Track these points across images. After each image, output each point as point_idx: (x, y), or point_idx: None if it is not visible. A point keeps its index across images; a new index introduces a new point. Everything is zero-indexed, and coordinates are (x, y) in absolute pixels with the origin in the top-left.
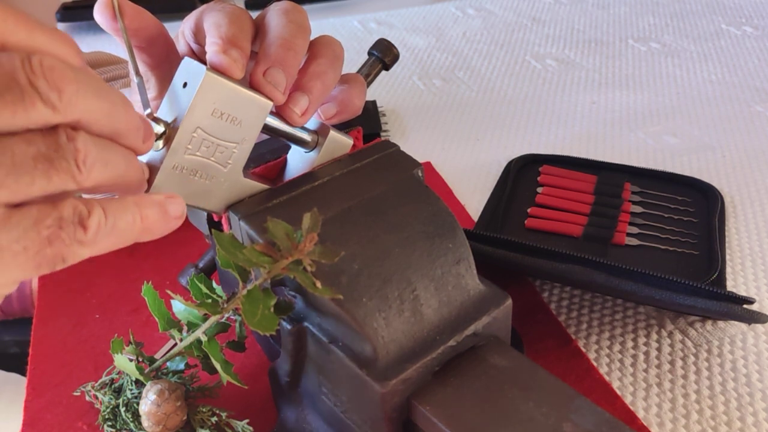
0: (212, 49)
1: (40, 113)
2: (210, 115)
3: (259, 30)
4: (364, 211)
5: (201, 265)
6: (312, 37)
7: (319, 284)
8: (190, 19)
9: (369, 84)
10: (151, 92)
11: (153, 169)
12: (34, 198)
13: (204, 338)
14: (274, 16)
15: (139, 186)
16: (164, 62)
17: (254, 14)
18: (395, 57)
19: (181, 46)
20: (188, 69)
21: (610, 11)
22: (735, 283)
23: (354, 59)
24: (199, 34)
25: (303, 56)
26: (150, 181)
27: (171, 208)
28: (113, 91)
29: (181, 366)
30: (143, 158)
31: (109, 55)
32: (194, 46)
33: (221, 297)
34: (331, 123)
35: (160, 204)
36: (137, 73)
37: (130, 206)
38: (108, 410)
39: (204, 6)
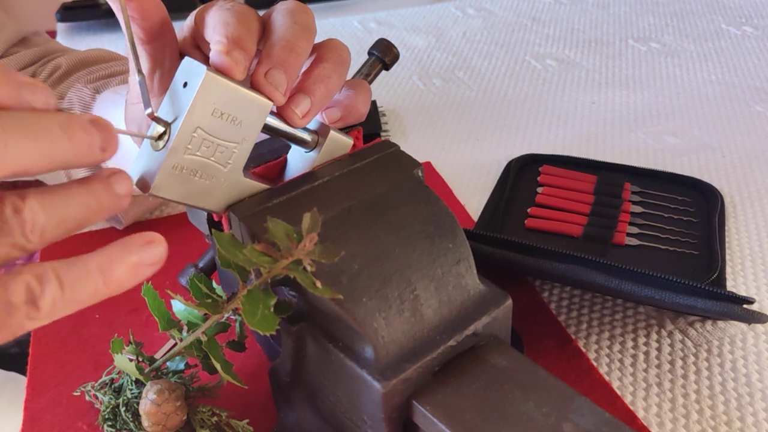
0: (216, 48)
1: None
2: (210, 115)
3: (264, 28)
4: (364, 211)
5: (201, 265)
6: (318, 40)
7: (319, 284)
8: (191, 15)
9: (369, 84)
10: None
11: (146, 181)
12: None
13: (204, 338)
14: (279, 16)
15: (113, 213)
16: (157, 39)
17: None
18: (395, 57)
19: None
20: (188, 69)
21: (610, 11)
22: (735, 283)
23: (354, 59)
24: (197, 32)
25: (306, 58)
26: (147, 186)
27: (146, 256)
28: (51, 120)
29: (181, 366)
30: (145, 160)
31: (107, 51)
32: (189, 42)
33: (221, 297)
34: (336, 127)
35: (127, 258)
36: (139, 71)
37: (92, 274)
38: (108, 410)
39: (210, 3)
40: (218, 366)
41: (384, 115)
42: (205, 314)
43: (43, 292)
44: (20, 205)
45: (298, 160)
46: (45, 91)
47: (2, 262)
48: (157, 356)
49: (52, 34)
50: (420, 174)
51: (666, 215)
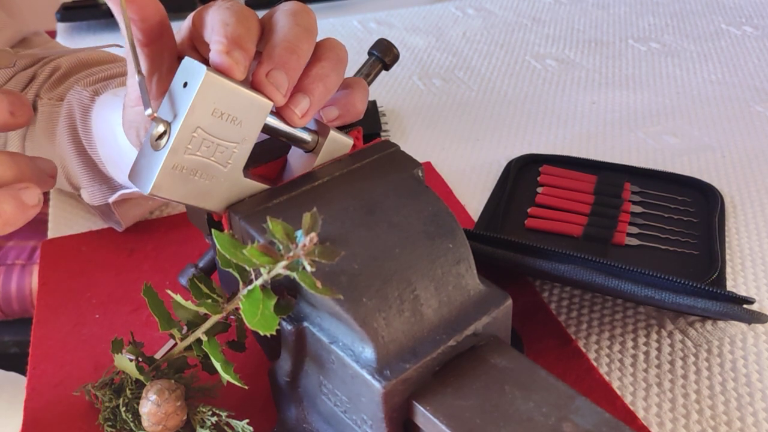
0: (216, 48)
1: None
2: (210, 115)
3: (264, 29)
4: (364, 211)
5: (201, 265)
6: (318, 39)
7: (319, 284)
8: (189, 17)
9: (369, 84)
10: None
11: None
12: None
13: (204, 338)
14: (281, 17)
15: (22, 223)
16: (156, 42)
17: (259, 14)
18: (395, 57)
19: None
20: (188, 69)
21: (610, 11)
22: (735, 283)
23: (354, 59)
24: (195, 33)
25: (307, 60)
26: (147, 185)
27: (27, 197)
28: None
29: (181, 366)
30: (145, 160)
31: (106, 53)
32: (187, 43)
33: (221, 297)
34: (333, 126)
35: (14, 196)
36: (139, 71)
37: None
38: (108, 410)
39: (208, 4)
40: (218, 366)
41: (384, 115)
42: (205, 314)
43: None
44: None
45: (298, 160)
46: None
47: None
48: (157, 356)
49: (52, 34)
50: (420, 174)
51: (666, 215)
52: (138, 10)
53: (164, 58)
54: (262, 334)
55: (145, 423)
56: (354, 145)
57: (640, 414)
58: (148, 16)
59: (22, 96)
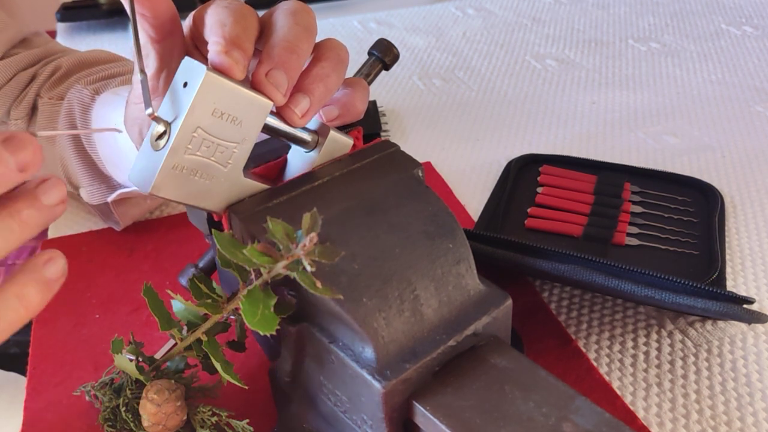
0: (214, 48)
1: None
2: (210, 115)
3: (264, 29)
4: (364, 211)
5: (201, 265)
6: (318, 39)
7: (319, 284)
8: (189, 16)
9: (369, 84)
10: (150, 69)
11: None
12: None
13: (204, 338)
14: (281, 16)
15: (45, 226)
16: (167, 38)
17: (259, 13)
18: (395, 57)
19: None
20: (189, 69)
21: (610, 11)
22: (735, 283)
23: (354, 59)
24: (195, 32)
25: (307, 59)
26: (147, 185)
27: (51, 272)
28: None
29: (181, 366)
30: (145, 160)
31: (107, 52)
32: (188, 42)
33: (221, 297)
34: (333, 125)
35: (37, 278)
36: (141, 70)
37: (11, 303)
38: (108, 410)
39: (208, 3)
40: (218, 366)
41: (384, 115)
42: (205, 314)
43: None
44: None
45: (298, 160)
46: None
47: None
48: (157, 356)
49: (52, 34)
50: (420, 174)
51: (666, 215)
52: (150, 6)
53: (174, 55)
54: (262, 334)
55: (145, 423)
56: (354, 145)
57: (640, 414)
58: (160, 13)
59: (27, 140)
